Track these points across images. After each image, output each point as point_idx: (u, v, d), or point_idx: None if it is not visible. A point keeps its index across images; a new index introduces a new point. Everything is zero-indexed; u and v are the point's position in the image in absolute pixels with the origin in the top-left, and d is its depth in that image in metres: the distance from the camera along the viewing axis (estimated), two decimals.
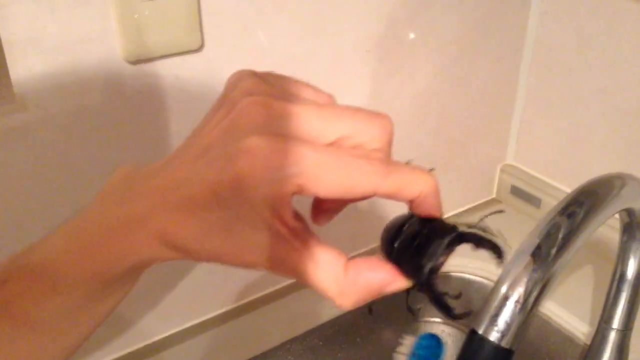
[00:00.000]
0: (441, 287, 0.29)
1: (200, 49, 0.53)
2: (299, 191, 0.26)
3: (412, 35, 0.66)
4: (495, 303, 0.38)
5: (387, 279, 0.28)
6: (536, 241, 0.40)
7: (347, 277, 0.27)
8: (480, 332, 0.38)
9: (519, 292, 0.38)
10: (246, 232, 0.27)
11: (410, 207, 0.29)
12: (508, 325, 0.38)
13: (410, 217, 0.30)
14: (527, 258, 0.39)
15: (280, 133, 0.26)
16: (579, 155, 0.75)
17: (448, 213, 0.82)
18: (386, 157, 0.28)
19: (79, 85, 0.49)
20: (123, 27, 0.48)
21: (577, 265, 0.73)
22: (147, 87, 0.52)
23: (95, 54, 0.48)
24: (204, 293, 0.64)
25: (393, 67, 0.66)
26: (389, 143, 0.28)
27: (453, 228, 0.29)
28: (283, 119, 0.26)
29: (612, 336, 0.55)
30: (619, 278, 0.52)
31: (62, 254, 0.28)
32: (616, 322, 0.54)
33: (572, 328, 0.65)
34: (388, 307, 0.72)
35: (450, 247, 0.28)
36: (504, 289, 0.39)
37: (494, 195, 0.85)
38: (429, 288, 0.29)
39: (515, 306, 0.38)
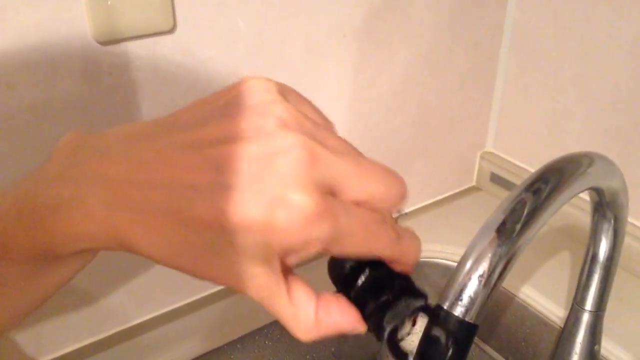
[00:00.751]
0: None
1: (172, 30, 0.53)
2: (321, 252, 0.25)
3: (388, 21, 0.66)
4: (460, 279, 0.38)
5: (353, 324, 0.28)
6: (501, 217, 0.40)
7: (316, 317, 0.27)
8: (445, 307, 0.38)
9: (483, 267, 0.38)
10: (229, 261, 0.25)
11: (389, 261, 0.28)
12: (472, 300, 0.38)
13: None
14: (491, 234, 0.39)
15: (321, 189, 0.24)
16: (558, 142, 0.75)
17: (427, 200, 0.82)
18: (393, 219, 0.28)
19: (49, 66, 0.48)
20: (92, 6, 0.47)
21: (553, 249, 0.73)
22: (118, 68, 0.51)
23: (65, 34, 0.48)
24: (182, 278, 0.64)
25: (370, 53, 0.66)
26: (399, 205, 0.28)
27: (423, 295, 0.29)
28: (327, 174, 0.24)
29: (585, 318, 0.55)
30: (590, 259, 0.52)
31: (10, 226, 0.27)
32: (589, 304, 0.54)
33: (547, 312, 0.65)
34: None
35: (415, 314, 0.29)
36: (468, 265, 0.39)
37: (473, 183, 0.86)
38: (388, 345, 0.30)
39: (480, 281, 0.38)
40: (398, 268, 0.29)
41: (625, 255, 0.69)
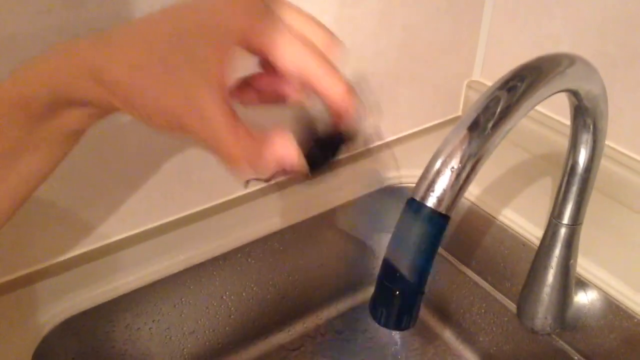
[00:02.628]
0: None
1: None
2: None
3: None
4: (433, 171, 0.38)
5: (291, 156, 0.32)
6: (474, 114, 0.39)
7: (258, 141, 0.31)
8: (418, 199, 0.38)
9: (455, 160, 0.38)
10: (185, 79, 0.29)
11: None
12: (444, 192, 0.38)
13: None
14: (464, 130, 0.39)
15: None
16: None
17: (413, 129, 0.82)
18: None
19: None
20: None
21: (534, 174, 0.73)
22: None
23: None
24: (164, 196, 0.64)
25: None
26: None
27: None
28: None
29: (562, 232, 0.55)
30: (569, 171, 0.52)
31: None
32: (566, 217, 0.55)
33: (526, 232, 0.66)
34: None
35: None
36: (441, 158, 0.39)
37: (459, 113, 0.85)
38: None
39: (452, 173, 0.38)
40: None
41: (600, 177, 0.69)
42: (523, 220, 0.67)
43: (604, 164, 0.69)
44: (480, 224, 0.70)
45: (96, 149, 0.56)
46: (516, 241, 0.66)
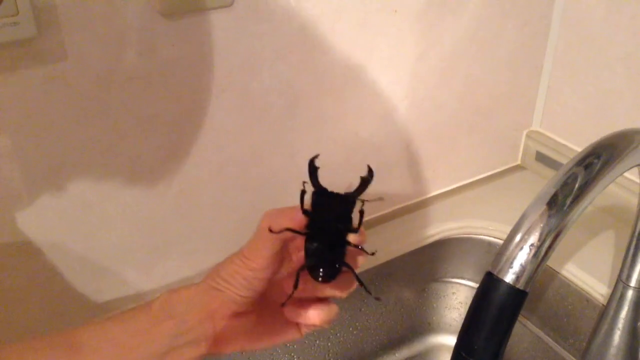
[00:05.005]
0: None
1: (231, 4, 0.55)
2: None
3: None
4: (511, 247, 0.40)
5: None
6: (552, 190, 0.41)
7: None
8: (496, 273, 0.40)
9: (534, 237, 0.40)
10: None
11: None
12: (523, 268, 0.39)
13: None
14: (543, 206, 0.40)
15: None
16: (605, 122, 0.75)
17: (472, 178, 0.83)
18: None
19: (115, 37, 0.51)
20: None
21: (598, 228, 0.73)
22: (180, 41, 0.54)
23: (131, 6, 0.50)
24: None
25: (420, 29, 0.67)
26: None
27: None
28: None
29: (630, 294, 0.56)
30: (638, 235, 0.53)
31: None
32: (634, 280, 0.55)
33: (590, 289, 0.66)
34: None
35: None
36: (520, 234, 0.40)
37: (518, 162, 0.86)
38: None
39: (530, 250, 0.39)
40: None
41: None
42: (586, 275, 0.67)
43: None
44: (542, 278, 0.70)
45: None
46: (580, 296, 0.66)
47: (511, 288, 0.39)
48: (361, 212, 0.41)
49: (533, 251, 0.39)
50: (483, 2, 0.70)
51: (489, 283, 0.40)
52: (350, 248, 0.41)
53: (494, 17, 0.72)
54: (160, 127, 0.56)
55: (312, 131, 0.66)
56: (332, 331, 0.72)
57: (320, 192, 0.41)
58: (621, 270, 0.56)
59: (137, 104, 0.54)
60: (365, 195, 0.41)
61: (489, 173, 0.84)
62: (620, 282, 0.56)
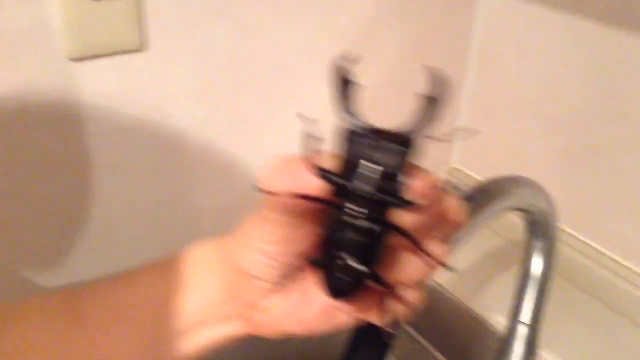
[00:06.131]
0: None
1: (142, 48, 0.57)
2: None
3: (355, 44, 0.70)
4: None
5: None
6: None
7: None
8: None
9: None
10: None
11: None
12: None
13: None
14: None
15: None
16: (517, 161, 0.79)
17: None
18: None
19: (22, 82, 0.52)
20: (66, 24, 0.51)
21: (508, 264, 0.76)
22: (89, 84, 0.55)
23: (39, 51, 0.52)
24: None
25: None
26: None
27: None
28: None
29: (522, 330, 0.58)
30: (525, 276, 0.56)
31: None
32: (525, 317, 0.58)
33: (496, 323, 0.68)
34: None
35: None
36: None
37: None
38: None
39: None
40: None
41: (571, 268, 0.72)
42: (493, 311, 0.69)
43: (569, 253, 0.72)
44: (455, 312, 0.73)
45: None
46: (487, 332, 0.69)
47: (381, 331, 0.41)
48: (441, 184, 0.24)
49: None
50: (399, 49, 0.73)
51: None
52: (396, 236, 0.26)
53: (410, 59, 0.75)
54: (71, 167, 0.58)
55: (231, 171, 0.68)
56: None
57: (358, 130, 0.26)
58: (512, 308, 0.58)
59: (47, 146, 0.55)
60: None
61: None
62: (512, 318, 0.58)
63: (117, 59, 0.56)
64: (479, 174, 0.85)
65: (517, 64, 0.75)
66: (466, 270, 0.75)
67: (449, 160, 0.87)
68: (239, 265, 0.31)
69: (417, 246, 0.26)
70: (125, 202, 0.62)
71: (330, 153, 0.26)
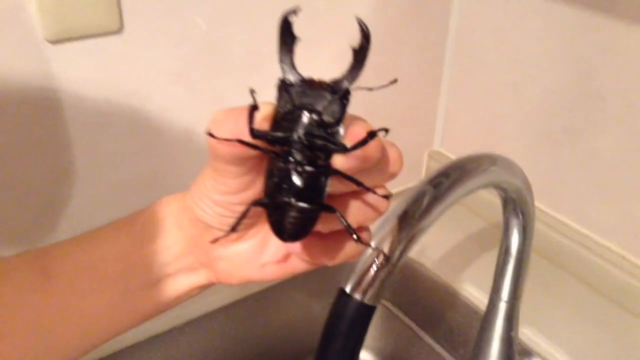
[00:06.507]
0: None
1: (120, 30, 0.56)
2: None
3: (331, 23, 0.70)
4: (361, 263, 0.42)
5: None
6: (403, 206, 0.44)
7: None
8: (347, 290, 0.42)
9: (384, 251, 0.42)
10: None
11: None
12: (371, 284, 0.42)
13: None
14: (394, 221, 0.43)
15: None
16: (496, 144, 0.79)
17: None
18: None
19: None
20: (42, 6, 0.51)
21: (490, 244, 0.77)
22: (67, 67, 0.55)
23: (15, 33, 0.51)
24: None
25: (314, 55, 0.70)
26: None
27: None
28: None
29: (502, 306, 0.59)
30: (504, 252, 0.56)
31: None
32: (504, 294, 0.58)
33: (477, 302, 0.69)
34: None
35: None
36: (370, 250, 0.43)
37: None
38: None
39: (380, 265, 0.42)
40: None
41: (549, 247, 0.73)
42: (475, 289, 0.70)
43: (548, 233, 0.73)
44: (438, 292, 0.73)
45: None
46: (468, 309, 0.70)
47: (360, 304, 0.42)
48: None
49: (382, 267, 0.42)
50: (378, 30, 0.73)
51: (340, 300, 0.42)
52: (338, 179, 0.27)
53: (390, 43, 0.75)
54: (49, 150, 0.57)
55: None
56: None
57: (291, 81, 0.27)
58: (492, 286, 0.59)
59: (25, 129, 0.55)
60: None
61: (395, 190, 0.87)
62: (493, 295, 0.59)
63: (94, 41, 0.55)
64: (459, 156, 0.85)
65: (494, 47, 0.76)
66: (446, 248, 0.76)
67: (430, 143, 0.88)
68: (196, 216, 0.32)
69: (360, 186, 0.28)
70: (105, 184, 0.62)
71: (269, 102, 0.28)
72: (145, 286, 0.34)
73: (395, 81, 0.28)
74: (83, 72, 0.56)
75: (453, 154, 0.86)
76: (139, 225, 0.35)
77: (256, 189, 0.30)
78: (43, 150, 0.57)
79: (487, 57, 0.77)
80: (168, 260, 0.34)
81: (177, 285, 0.35)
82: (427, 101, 0.84)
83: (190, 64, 0.62)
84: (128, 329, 0.36)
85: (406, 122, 0.83)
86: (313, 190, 0.27)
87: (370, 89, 0.28)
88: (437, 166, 0.86)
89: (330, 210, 0.28)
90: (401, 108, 0.81)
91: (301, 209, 0.27)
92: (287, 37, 0.28)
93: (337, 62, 0.73)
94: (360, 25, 0.28)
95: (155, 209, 0.35)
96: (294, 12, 0.28)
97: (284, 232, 0.28)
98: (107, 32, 0.56)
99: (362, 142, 0.27)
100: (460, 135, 0.84)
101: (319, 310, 0.80)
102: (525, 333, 0.64)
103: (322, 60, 0.71)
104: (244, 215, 0.29)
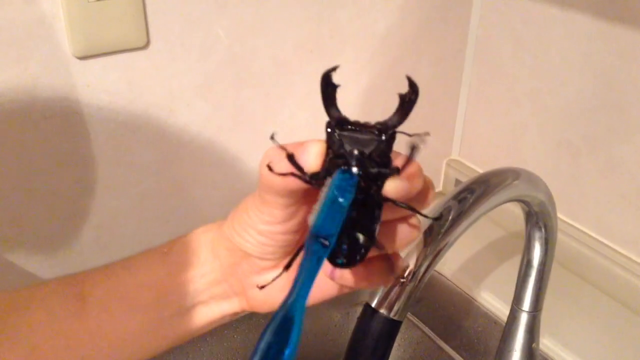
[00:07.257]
0: None
1: (146, 46, 0.57)
2: None
3: (353, 37, 0.70)
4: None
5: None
6: (428, 222, 0.44)
7: None
8: (373, 305, 0.43)
9: (410, 267, 0.43)
10: None
11: None
12: (396, 299, 0.42)
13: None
14: (420, 236, 0.44)
15: None
16: (515, 152, 0.79)
17: None
18: None
19: (29, 79, 0.53)
20: (71, 23, 0.52)
21: (509, 254, 0.77)
22: (94, 82, 0.56)
23: (45, 49, 0.52)
24: None
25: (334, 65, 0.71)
26: None
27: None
28: None
29: (523, 318, 0.59)
30: (526, 264, 0.57)
31: None
32: (526, 305, 0.59)
33: (497, 311, 0.69)
34: None
35: None
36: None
37: (440, 189, 0.90)
38: None
39: (405, 281, 0.43)
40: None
41: (570, 257, 0.73)
42: (495, 299, 0.70)
43: (569, 242, 0.73)
44: (459, 302, 0.74)
45: None
46: (488, 319, 0.70)
47: (386, 319, 0.42)
48: (413, 148, 0.30)
49: (408, 282, 0.43)
50: (398, 42, 0.74)
51: (367, 314, 0.43)
52: (390, 207, 0.29)
53: (410, 54, 0.76)
54: (75, 162, 0.58)
55: (233, 164, 0.69)
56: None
57: (339, 122, 0.29)
58: (514, 297, 0.59)
59: (53, 142, 0.56)
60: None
61: None
62: (514, 306, 0.59)
63: (121, 57, 0.56)
64: (478, 165, 0.85)
65: (514, 57, 0.76)
66: (466, 258, 0.77)
67: (449, 152, 0.88)
68: (238, 246, 0.33)
69: (411, 210, 0.30)
70: (129, 196, 0.63)
71: (318, 140, 0.29)
72: (178, 313, 0.35)
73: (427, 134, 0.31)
74: (109, 87, 0.57)
75: (472, 163, 0.86)
76: (174, 255, 0.36)
77: (299, 218, 0.31)
78: (69, 163, 0.58)
79: (506, 66, 0.77)
80: (201, 288, 0.35)
81: (209, 312, 0.36)
82: (446, 110, 0.84)
83: (214, 78, 0.63)
84: (159, 353, 0.37)
85: (425, 131, 0.83)
86: (369, 221, 0.28)
87: (410, 135, 0.31)
88: (455, 175, 0.87)
89: (379, 246, 0.29)
90: (420, 117, 0.81)
91: (359, 243, 0.28)
92: (329, 88, 0.30)
93: (359, 73, 0.73)
94: (410, 81, 0.30)
95: (190, 238, 0.36)
96: (334, 69, 0.30)
97: (337, 258, 0.29)
98: (133, 47, 0.57)
99: (406, 163, 0.29)
100: (479, 144, 0.84)
101: (339, 319, 0.80)
102: (546, 344, 0.65)
103: (343, 71, 0.72)
104: (298, 253, 0.31)
